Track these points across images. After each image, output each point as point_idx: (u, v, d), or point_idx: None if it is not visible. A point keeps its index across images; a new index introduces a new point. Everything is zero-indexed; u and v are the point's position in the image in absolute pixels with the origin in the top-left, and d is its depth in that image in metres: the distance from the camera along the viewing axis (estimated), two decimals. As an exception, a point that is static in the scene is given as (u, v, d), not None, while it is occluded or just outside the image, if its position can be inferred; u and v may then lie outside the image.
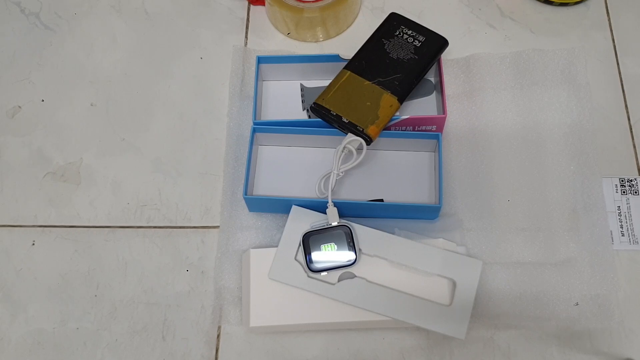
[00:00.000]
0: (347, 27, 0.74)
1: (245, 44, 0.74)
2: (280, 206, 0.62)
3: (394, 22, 0.66)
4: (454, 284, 0.57)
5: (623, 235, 0.63)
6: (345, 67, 0.63)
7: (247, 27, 0.75)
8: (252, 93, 0.70)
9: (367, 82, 0.62)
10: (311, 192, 0.64)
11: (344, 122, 0.60)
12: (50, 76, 0.73)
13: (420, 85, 0.68)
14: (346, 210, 0.60)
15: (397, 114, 0.62)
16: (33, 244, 0.64)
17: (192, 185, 0.66)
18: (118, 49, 0.74)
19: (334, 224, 0.58)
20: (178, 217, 0.65)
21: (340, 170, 0.60)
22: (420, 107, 0.68)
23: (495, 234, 0.62)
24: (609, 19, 0.74)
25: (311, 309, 0.57)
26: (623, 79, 0.70)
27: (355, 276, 0.57)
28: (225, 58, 0.73)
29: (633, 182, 0.65)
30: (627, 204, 0.64)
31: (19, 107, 0.71)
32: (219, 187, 0.66)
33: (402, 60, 0.63)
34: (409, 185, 0.64)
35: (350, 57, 0.64)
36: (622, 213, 0.63)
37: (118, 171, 0.67)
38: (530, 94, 0.68)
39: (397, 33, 0.65)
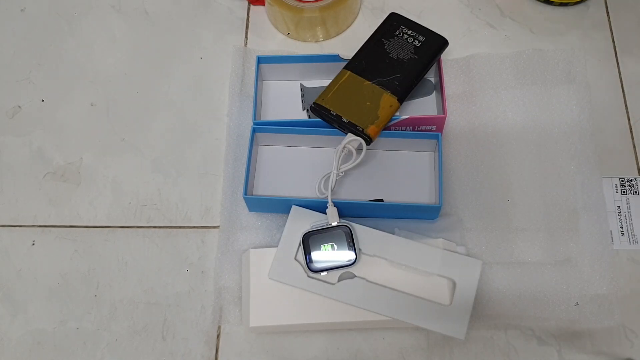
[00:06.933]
0: (347, 27, 0.74)
1: (245, 44, 0.74)
2: (280, 206, 0.62)
3: (394, 22, 0.66)
4: (453, 284, 0.57)
5: (623, 235, 0.63)
6: (345, 67, 0.63)
7: (247, 27, 0.75)
8: (252, 93, 0.70)
9: (367, 82, 0.62)
10: (311, 192, 0.64)
11: (344, 122, 0.60)
12: (50, 76, 0.73)
13: (420, 85, 0.68)
14: (346, 210, 0.60)
15: (397, 114, 0.62)
16: (33, 244, 0.64)
17: (192, 185, 0.66)
18: (118, 49, 0.74)
19: (334, 224, 0.58)
20: (178, 217, 0.65)
21: (340, 170, 0.60)
22: (420, 107, 0.68)
23: (495, 234, 0.62)
24: (609, 19, 0.74)
25: (311, 309, 0.57)
26: (623, 79, 0.70)
27: (355, 276, 0.57)
28: (225, 58, 0.73)
29: (633, 182, 0.65)
30: (627, 204, 0.64)
31: (19, 107, 0.71)
32: (219, 187, 0.66)
33: (402, 60, 0.63)
34: (409, 185, 0.64)
35: (350, 57, 0.64)
36: (622, 213, 0.63)
37: (118, 171, 0.67)
38: (530, 94, 0.68)
39: (397, 33, 0.65)
